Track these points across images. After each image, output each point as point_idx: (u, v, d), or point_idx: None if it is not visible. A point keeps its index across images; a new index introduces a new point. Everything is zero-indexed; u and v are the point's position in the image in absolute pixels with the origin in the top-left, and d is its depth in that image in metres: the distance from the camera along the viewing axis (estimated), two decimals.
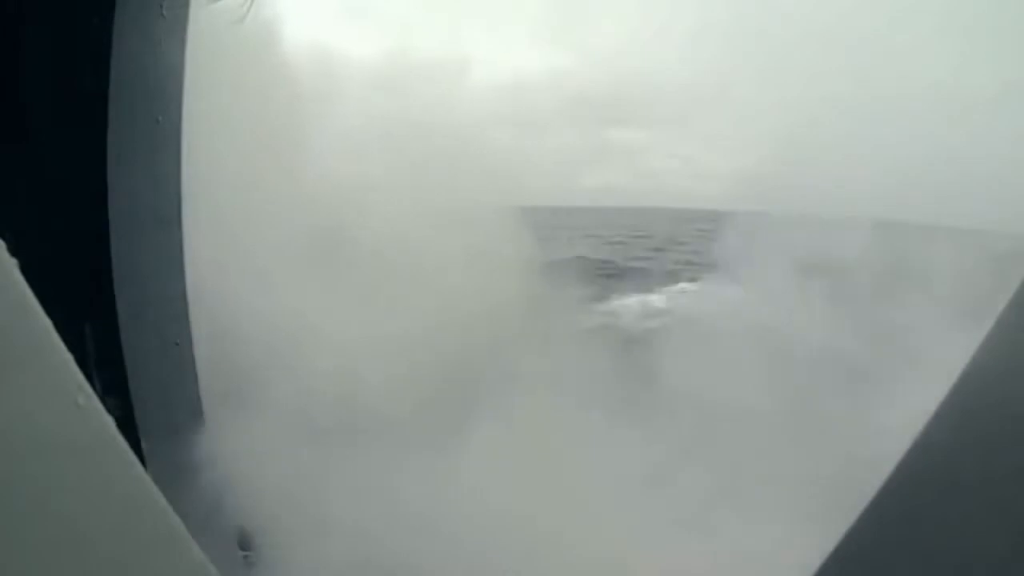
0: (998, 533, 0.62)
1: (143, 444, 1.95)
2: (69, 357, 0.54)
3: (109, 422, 0.57)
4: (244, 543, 2.75)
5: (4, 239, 0.51)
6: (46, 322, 0.52)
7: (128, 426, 1.92)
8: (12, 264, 0.51)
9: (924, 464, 0.80)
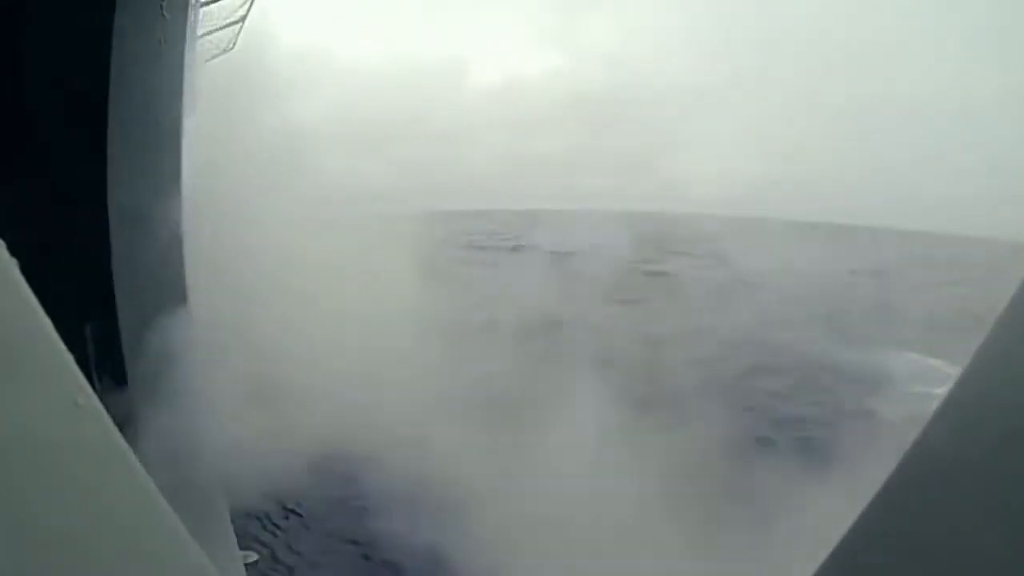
0: (999, 534, 0.62)
1: (143, 444, 1.95)
2: (69, 357, 0.54)
3: (109, 422, 0.57)
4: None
5: (4, 239, 0.51)
6: (46, 322, 0.52)
7: (128, 426, 1.92)
8: (12, 264, 0.51)
9: (924, 464, 0.80)
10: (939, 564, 0.70)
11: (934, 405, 0.80)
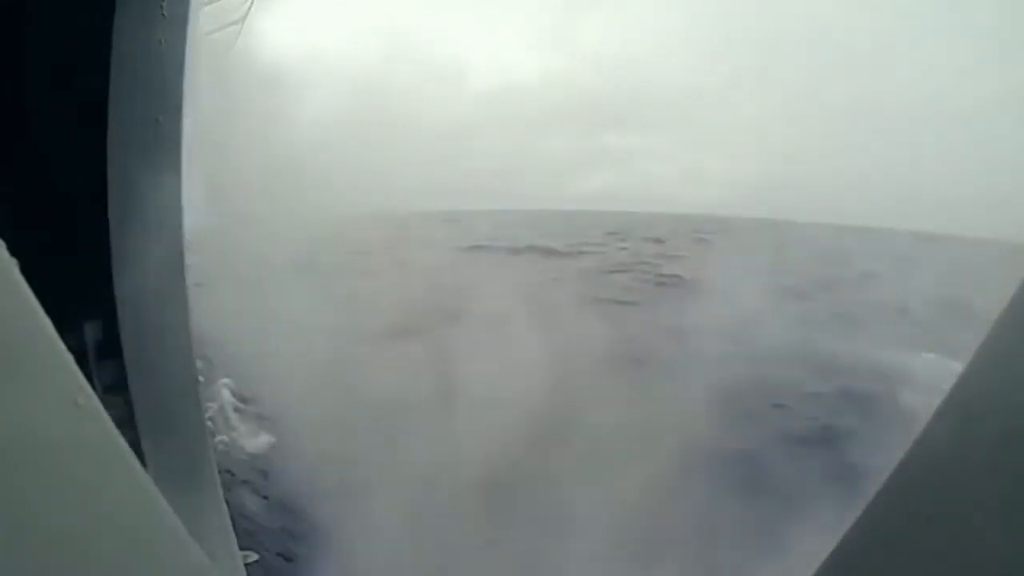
0: (1000, 535, 0.62)
1: (143, 444, 1.95)
2: (69, 357, 0.54)
3: (109, 422, 0.57)
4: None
5: (4, 239, 0.51)
6: (46, 322, 0.52)
7: (128, 426, 1.92)
8: (12, 264, 0.51)
9: (924, 464, 0.80)
10: (940, 565, 0.70)
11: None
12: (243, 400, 9.36)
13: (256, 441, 8.43)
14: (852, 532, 0.85)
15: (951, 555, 0.68)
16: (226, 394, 9.48)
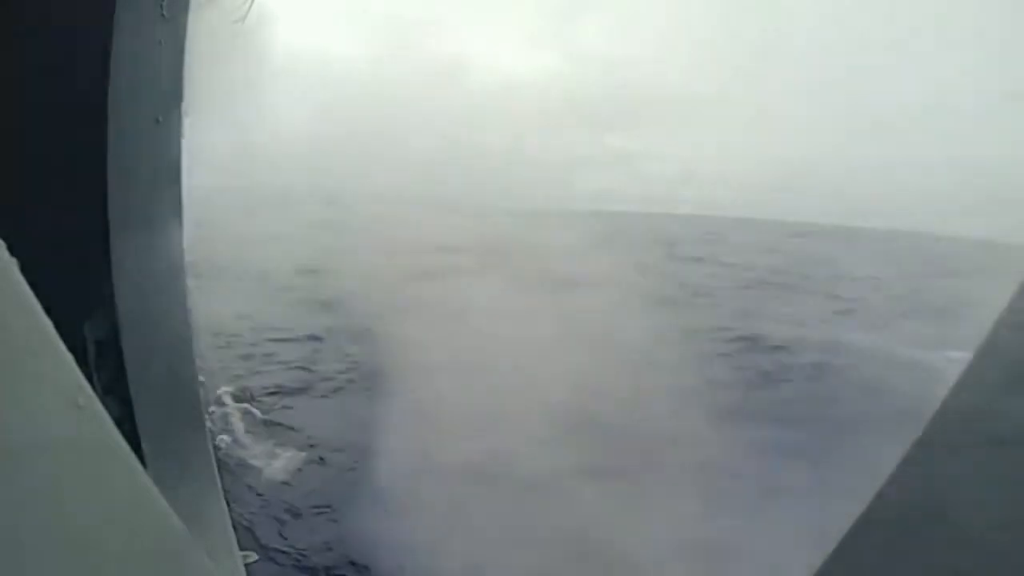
0: (1000, 533, 0.62)
1: (143, 444, 1.95)
2: (69, 357, 0.54)
3: (109, 422, 0.57)
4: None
5: (4, 239, 0.51)
6: (46, 322, 0.52)
7: (128, 426, 1.92)
8: (12, 264, 0.51)
9: (925, 464, 0.80)
10: (939, 564, 0.70)
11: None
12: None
13: None
14: (852, 532, 0.85)
15: (950, 555, 0.68)
16: (228, 400, 9.46)
